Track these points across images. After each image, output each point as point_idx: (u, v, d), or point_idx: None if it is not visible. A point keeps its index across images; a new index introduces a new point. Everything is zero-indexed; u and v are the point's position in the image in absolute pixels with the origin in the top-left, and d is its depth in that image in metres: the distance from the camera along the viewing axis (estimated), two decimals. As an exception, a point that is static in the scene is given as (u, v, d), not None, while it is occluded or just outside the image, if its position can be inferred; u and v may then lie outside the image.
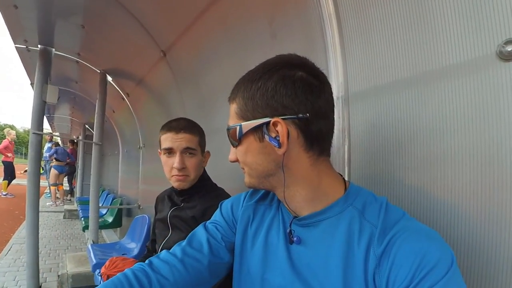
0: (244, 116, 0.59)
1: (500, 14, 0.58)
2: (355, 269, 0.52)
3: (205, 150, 1.24)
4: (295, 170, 0.58)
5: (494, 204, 0.59)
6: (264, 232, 0.67)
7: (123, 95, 3.60)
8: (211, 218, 0.80)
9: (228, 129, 0.62)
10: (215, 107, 1.80)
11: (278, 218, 0.68)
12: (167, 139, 1.13)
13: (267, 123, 0.55)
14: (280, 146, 0.54)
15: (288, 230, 0.63)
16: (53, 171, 7.92)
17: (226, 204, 0.80)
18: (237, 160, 0.64)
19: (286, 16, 1.17)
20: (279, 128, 0.54)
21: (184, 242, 0.73)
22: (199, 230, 0.76)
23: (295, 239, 0.61)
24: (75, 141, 8.88)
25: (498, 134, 0.58)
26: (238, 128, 0.59)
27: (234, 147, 0.64)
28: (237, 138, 0.59)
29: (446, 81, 0.67)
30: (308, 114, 0.55)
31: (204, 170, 1.26)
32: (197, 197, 1.18)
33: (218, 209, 0.80)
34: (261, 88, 0.56)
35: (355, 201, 0.58)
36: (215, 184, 1.27)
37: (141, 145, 3.62)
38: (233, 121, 0.61)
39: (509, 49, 0.56)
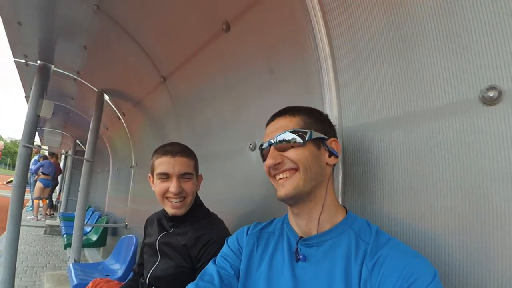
0: (310, 127, 0.75)
1: (483, 60, 0.64)
2: (353, 281, 0.62)
3: (199, 174, 1.24)
4: (329, 185, 0.75)
5: (475, 226, 0.65)
6: (269, 255, 0.77)
7: (119, 114, 3.64)
8: (220, 253, 0.88)
9: (292, 131, 0.73)
10: (209, 135, 1.86)
11: (283, 241, 0.78)
12: (163, 164, 1.10)
13: (327, 139, 0.76)
14: (337, 155, 0.76)
15: (295, 249, 0.72)
16: (39, 185, 7.73)
17: (232, 237, 0.89)
18: (279, 164, 0.73)
19: (283, 56, 1.25)
20: (333, 145, 0.76)
21: (196, 280, 0.80)
22: (209, 265, 0.84)
23: (301, 256, 0.70)
24: (57, 154, 8.69)
25: (479, 170, 0.64)
26: (309, 132, 0.73)
27: (283, 150, 0.74)
28: (306, 139, 0.72)
29: (431, 120, 0.74)
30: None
31: (197, 196, 1.25)
32: (188, 223, 1.16)
33: (226, 244, 0.89)
34: (318, 117, 0.79)
35: (353, 225, 0.70)
36: (208, 210, 1.26)
37: (133, 164, 3.62)
38: (297, 128, 0.74)
39: (491, 95, 0.62)
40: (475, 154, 0.65)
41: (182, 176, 1.11)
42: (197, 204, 1.23)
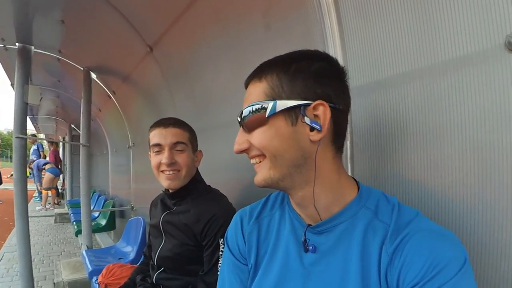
0: (277, 96, 0.54)
1: (508, 5, 0.55)
2: (371, 269, 0.52)
3: (198, 150, 1.20)
4: (320, 163, 0.56)
5: (504, 199, 0.57)
6: (272, 245, 0.65)
7: (109, 93, 3.47)
8: (225, 261, 0.74)
9: (251, 106, 0.56)
10: (209, 104, 1.73)
11: (285, 225, 0.65)
12: (155, 135, 1.10)
13: (306, 105, 0.53)
14: (321, 129, 0.53)
15: (303, 239, 0.60)
16: (49, 175, 7.71)
17: (231, 240, 0.73)
18: (246, 150, 0.58)
19: (281, 7, 1.10)
20: (320, 111, 0.53)
21: None
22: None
23: (310, 247, 0.58)
24: (56, 142, 8.62)
25: (508, 125, 0.56)
26: (271, 105, 0.53)
27: (250, 131, 0.57)
28: (266, 116, 0.54)
29: (451, 73, 0.64)
30: (341, 107, 0.56)
31: (197, 172, 1.22)
32: (189, 199, 1.13)
33: (228, 250, 0.73)
34: (304, 71, 0.55)
35: (367, 202, 0.58)
36: (209, 186, 1.23)
37: (130, 145, 3.51)
38: (259, 99, 0.56)
39: None
40: (500, 108, 0.57)
41: (175, 147, 1.09)
42: (197, 180, 1.20)
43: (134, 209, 3.47)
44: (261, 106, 0.54)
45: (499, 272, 0.58)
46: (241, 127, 0.60)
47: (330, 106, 0.53)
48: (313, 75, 0.54)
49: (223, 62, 1.53)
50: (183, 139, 1.10)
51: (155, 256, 1.16)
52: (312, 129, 0.53)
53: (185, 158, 1.10)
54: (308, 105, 0.53)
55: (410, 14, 0.70)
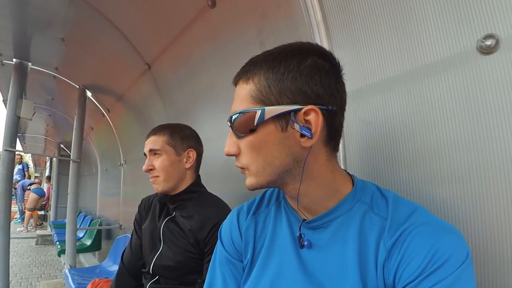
0: (266, 100, 0.51)
1: (479, 10, 0.62)
2: (369, 264, 0.51)
3: (189, 149, 1.17)
4: (312, 165, 0.54)
5: (488, 186, 0.61)
6: (268, 240, 0.64)
7: (103, 111, 3.49)
8: (217, 257, 0.71)
9: (239, 114, 0.52)
10: (202, 114, 1.77)
11: (281, 220, 0.64)
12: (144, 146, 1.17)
13: (297, 110, 0.50)
14: (312, 136, 0.50)
15: (297, 234, 0.59)
16: (33, 195, 7.49)
17: (225, 239, 0.71)
18: (236, 154, 0.56)
19: (275, 24, 1.19)
20: (312, 117, 0.50)
21: None
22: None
23: (305, 243, 0.57)
24: (51, 158, 8.46)
25: (485, 121, 0.62)
26: (259, 112, 0.50)
27: (239, 137, 0.55)
28: (255, 124, 0.51)
29: (431, 77, 0.70)
30: (335, 108, 0.53)
31: (198, 176, 1.22)
32: (190, 205, 1.12)
33: (223, 249, 0.71)
34: (293, 70, 0.50)
35: (362, 196, 0.57)
36: (211, 193, 1.22)
37: (122, 162, 3.49)
38: (246, 105, 0.53)
39: (488, 43, 0.60)
40: (475, 105, 0.63)
41: (152, 154, 1.14)
42: (198, 184, 1.19)
43: (122, 227, 3.38)
44: (248, 113, 0.51)
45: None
46: (230, 130, 0.57)
47: (322, 110, 0.50)
48: (304, 74, 0.50)
49: (219, 79, 1.59)
50: (156, 145, 1.13)
51: (150, 264, 1.11)
52: (303, 135, 0.51)
53: (160, 162, 1.11)
54: (299, 110, 0.50)
55: (390, 25, 0.79)
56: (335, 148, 0.57)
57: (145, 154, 1.16)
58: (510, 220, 0.58)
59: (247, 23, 1.31)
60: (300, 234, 0.58)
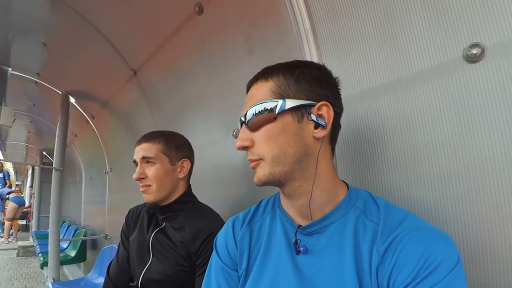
0: (285, 94, 0.58)
1: (465, 20, 0.64)
2: (364, 269, 0.52)
3: (183, 158, 1.15)
4: (320, 161, 0.58)
5: (476, 189, 0.63)
6: (263, 248, 0.64)
7: (88, 117, 3.41)
8: (212, 266, 0.71)
9: (260, 104, 0.57)
10: (191, 121, 1.75)
11: (276, 228, 0.65)
12: (134, 153, 1.11)
13: (312, 105, 0.58)
14: (326, 126, 0.57)
15: (293, 240, 0.60)
16: (12, 205, 7.20)
17: (220, 248, 0.72)
18: (250, 146, 0.60)
19: (263, 32, 1.18)
20: (324, 111, 0.58)
21: None
22: None
23: (301, 249, 0.58)
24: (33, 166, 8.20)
25: (472, 128, 0.64)
26: (281, 102, 0.57)
27: (255, 129, 0.59)
28: (276, 113, 0.56)
29: (419, 84, 0.72)
30: (338, 110, 0.61)
31: (189, 186, 1.19)
32: (181, 216, 1.08)
33: (218, 258, 0.71)
34: (307, 73, 0.60)
35: (356, 202, 0.59)
36: (202, 204, 1.18)
37: (107, 170, 3.41)
38: (266, 98, 0.58)
39: (474, 52, 0.62)
40: (462, 112, 0.65)
41: (144, 161, 1.08)
42: (189, 195, 1.16)
43: (108, 237, 3.29)
44: (270, 104, 0.57)
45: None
46: (244, 126, 0.61)
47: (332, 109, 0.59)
48: (316, 79, 0.59)
49: (207, 86, 1.58)
50: (150, 153, 1.08)
51: (138, 278, 1.06)
52: (316, 126, 0.58)
53: (154, 171, 1.06)
54: (313, 105, 0.57)
55: (378, 34, 0.80)
56: (333, 150, 0.63)
57: (135, 162, 1.10)
58: (498, 220, 0.60)
59: (236, 31, 1.30)
60: (296, 240, 0.59)
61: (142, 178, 1.06)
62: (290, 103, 0.57)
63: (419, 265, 0.46)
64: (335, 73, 0.90)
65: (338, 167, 0.91)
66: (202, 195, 1.22)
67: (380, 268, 0.50)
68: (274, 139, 0.57)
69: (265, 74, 0.61)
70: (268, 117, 0.57)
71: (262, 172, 0.58)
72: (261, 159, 0.58)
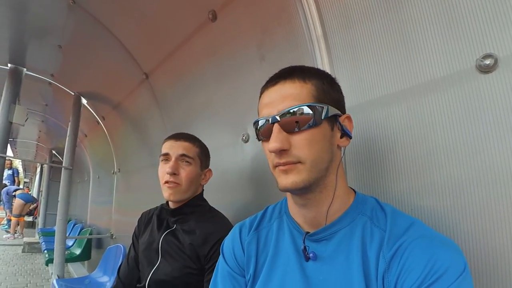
0: (326, 100, 0.58)
1: (478, 30, 0.65)
2: (371, 275, 0.52)
3: (207, 168, 1.19)
4: (338, 169, 0.60)
5: (488, 200, 0.63)
6: (271, 255, 0.64)
7: (98, 118, 3.46)
8: (219, 272, 0.72)
9: (302, 107, 0.54)
10: (200, 125, 1.77)
11: (284, 235, 0.65)
12: (166, 146, 1.10)
13: (341, 115, 0.60)
14: (351, 136, 0.61)
15: (302, 247, 0.60)
16: (19, 201, 7.29)
17: (227, 253, 0.73)
18: (288, 149, 0.55)
19: (275, 39, 1.20)
20: (346, 123, 0.61)
21: None
22: None
23: (311, 255, 0.58)
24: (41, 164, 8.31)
25: (484, 138, 0.64)
26: (326, 108, 0.56)
27: (295, 132, 0.55)
28: (322, 118, 0.56)
29: (431, 93, 0.72)
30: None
31: (202, 191, 1.19)
32: (192, 219, 1.09)
33: (224, 263, 0.72)
34: (334, 84, 0.62)
35: (363, 208, 0.60)
36: (213, 208, 1.19)
37: (115, 170, 3.45)
38: (308, 102, 0.56)
39: (487, 63, 0.63)
40: (474, 122, 0.65)
41: (181, 159, 1.08)
42: (201, 199, 1.17)
43: (113, 237, 3.31)
44: (317, 108, 0.55)
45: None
46: (276, 126, 0.56)
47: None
48: (339, 90, 0.63)
49: (217, 91, 1.60)
50: (190, 152, 1.09)
51: (145, 279, 1.07)
52: (342, 136, 0.60)
53: (189, 172, 1.07)
54: (341, 115, 0.60)
55: (391, 43, 0.80)
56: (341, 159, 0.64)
57: (167, 155, 1.08)
58: (510, 231, 0.59)
59: (248, 38, 1.32)
60: (305, 247, 0.59)
61: (175, 174, 1.05)
62: (332, 110, 0.58)
63: (426, 271, 0.46)
64: (346, 81, 0.92)
65: (348, 174, 0.91)
66: (208, 199, 1.23)
67: (387, 274, 0.50)
68: (314, 144, 0.56)
69: (301, 73, 0.58)
70: (310, 120, 0.55)
71: (299, 176, 0.55)
72: (299, 162, 0.55)
